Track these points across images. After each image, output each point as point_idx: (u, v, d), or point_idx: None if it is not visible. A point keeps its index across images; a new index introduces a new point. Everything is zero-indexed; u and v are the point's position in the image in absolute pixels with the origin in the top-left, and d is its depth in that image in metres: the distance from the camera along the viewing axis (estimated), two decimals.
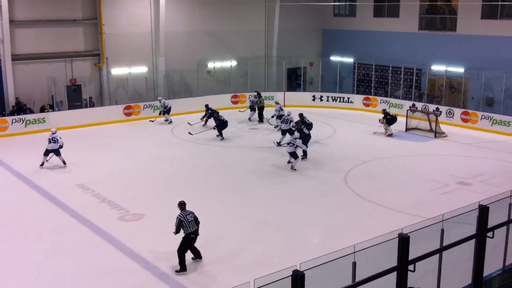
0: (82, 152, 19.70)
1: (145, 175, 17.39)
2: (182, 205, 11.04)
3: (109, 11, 25.93)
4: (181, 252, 10.76)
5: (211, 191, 16.00)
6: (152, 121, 25.10)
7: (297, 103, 27.72)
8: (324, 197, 15.48)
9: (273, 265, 10.55)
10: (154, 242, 12.36)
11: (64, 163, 17.83)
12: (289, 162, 17.83)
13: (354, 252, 6.78)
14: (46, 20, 24.45)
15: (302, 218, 13.86)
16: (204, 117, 23.69)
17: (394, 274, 6.81)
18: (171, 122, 24.84)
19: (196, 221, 10.91)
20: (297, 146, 17.57)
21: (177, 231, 10.79)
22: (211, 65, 29.37)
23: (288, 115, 20.92)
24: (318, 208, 14.59)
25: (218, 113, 22.26)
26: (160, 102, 24.97)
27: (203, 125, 23.67)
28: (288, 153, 17.66)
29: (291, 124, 20.47)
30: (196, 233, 10.89)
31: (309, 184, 16.50)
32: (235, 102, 28.59)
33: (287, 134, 20.13)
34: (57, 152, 17.62)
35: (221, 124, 21.66)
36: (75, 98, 25.34)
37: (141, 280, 10.67)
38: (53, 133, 17.62)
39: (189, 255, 11.04)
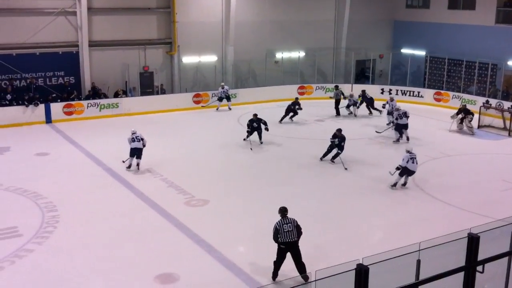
0: (153, 137, 20.14)
1: (211, 162, 17.74)
2: (282, 211, 10.06)
3: (182, 0, 26.44)
4: (275, 262, 10.03)
5: (273, 179, 16.16)
6: (204, 106, 25.66)
7: None
8: (388, 192, 15.22)
9: (333, 257, 10.58)
10: (218, 227, 12.66)
11: (138, 167, 16.52)
12: (401, 184, 15.41)
13: (419, 250, 6.69)
14: (122, 8, 25.26)
15: (363, 212, 13.74)
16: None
17: (457, 275, 6.67)
18: (230, 109, 25.47)
19: (297, 231, 9.91)
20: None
21: (275, 240, 9.97)
22: (279, 55, 29.42)
23: (399, 109, 20.59)
24: (382, 203, 14.39)
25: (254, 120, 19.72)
26: (223, 88, 25.35)
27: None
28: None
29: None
30: (289, 244, 9.84)
31: (375, 178, 16.29)
32: (301, 93, 28.53)
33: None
34: (139, 153, 16.50)
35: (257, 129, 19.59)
36: (147, 84, 26.12)
37: (204, 263, 10.96)
38: (133, 133, 16.54)
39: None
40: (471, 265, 6.40)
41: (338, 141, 17.44)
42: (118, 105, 24.06)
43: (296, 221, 9.97)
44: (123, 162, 16.83)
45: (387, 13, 32.51)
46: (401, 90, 28.35)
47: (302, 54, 30.08)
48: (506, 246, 7.37)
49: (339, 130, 17.65)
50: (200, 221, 13.01)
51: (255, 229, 12.59)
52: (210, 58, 27.70)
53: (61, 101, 23.36)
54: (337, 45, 31.49)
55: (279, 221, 9.95)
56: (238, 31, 27.76)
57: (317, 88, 28.94)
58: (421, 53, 30.12)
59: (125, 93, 24.96)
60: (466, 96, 26.43)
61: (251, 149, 19.03)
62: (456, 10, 29.36)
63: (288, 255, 10.02)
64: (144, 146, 16.64)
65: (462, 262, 6.80)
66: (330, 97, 25.76)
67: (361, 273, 5.63)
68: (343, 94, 25.36)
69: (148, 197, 14.43)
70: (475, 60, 27.00)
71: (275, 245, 10.04)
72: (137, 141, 16.49)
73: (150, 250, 11.51)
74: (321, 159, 17.77)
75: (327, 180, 16.21)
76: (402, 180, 15.31)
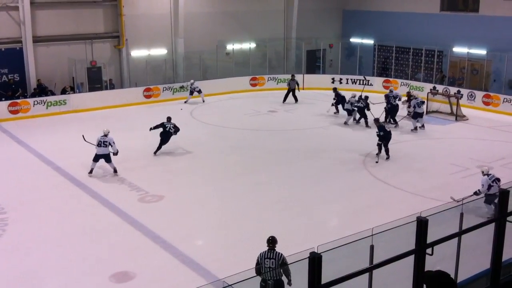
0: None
1: (164, 157, 17.51)
2: (269, 242, 8.46)
3: None
4: None
5: (228, 171, 16.12)
6: (186, 102, 25.32)
7: (316, 86, 27.60)
8: (342, 179, 15.45)
9: (290, 246, 10.61)
10: (173, 223, 12.53)
11: (115, 171, 15.62)
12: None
13: (372, 235, 6.78)
14: (67, 2, 24.53)
15: (319, 200, 13.88)
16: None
17: (412, 257, 6.81)
18: (203, 101, 25.34)
19: (283, 270, 8.19)
20: None
21: (257, 274, 8.23)
22: (230, 47, 29.28)
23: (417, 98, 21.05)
24: (336, 190, 14.59)
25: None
26: (192, 85, 25.14)
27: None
28: None
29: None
30: (270, 284, 8.10)
31: (327, 166, 16.48)
32: (253, 85, 28.55)
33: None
34: (107, 158, 15.48)
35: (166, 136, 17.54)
36: (95, 80, 25.51)
37: (160, 260, 10.82)
38: (104, 135, 15.43)
39: None
40: (421, 248, 6.52)
41: (380, 131, 16.89)
42: (66, 102, 23.43)
43: (283, 257, 8.34)
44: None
45: (336, 2, 32.82)
46: (351, 79, 28.73)
47: (253, 45, 30.04)
48: (455, 228, 7.57)
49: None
50: (155, 217, 12.84)
51: (211, 223, 12.54)
52: (160, 51, 27.30)
53: (6, 99, 22.58)
54: (288, 36, 31.56)
55: (262, 253, 8.43)
56: (188, 23, 27.45)
57: (269, 79, 28.98)
58: (370, 41, 30.59)
59: (72, 90, 24.31)
60: (414, 83, 27.03)
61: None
62: None
63: None
64: (115, 153, 15.48)
65: (414, 246, 6.94)
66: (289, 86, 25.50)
67: (314, 261, 5.64)
68: (297, 84, 25.42)
69: (100, 195, 14.12)
70: (421, 48, 27.64)
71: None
72: (104, 146, 15.30)
73: (104, 249, 11.29)
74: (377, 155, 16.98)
75: (284, 169, 16.26)
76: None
